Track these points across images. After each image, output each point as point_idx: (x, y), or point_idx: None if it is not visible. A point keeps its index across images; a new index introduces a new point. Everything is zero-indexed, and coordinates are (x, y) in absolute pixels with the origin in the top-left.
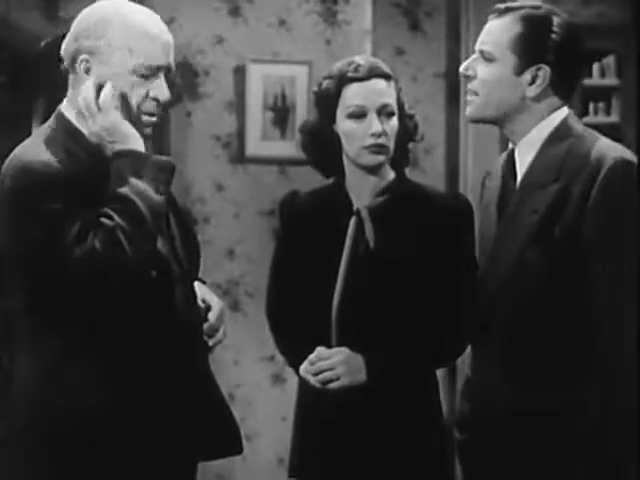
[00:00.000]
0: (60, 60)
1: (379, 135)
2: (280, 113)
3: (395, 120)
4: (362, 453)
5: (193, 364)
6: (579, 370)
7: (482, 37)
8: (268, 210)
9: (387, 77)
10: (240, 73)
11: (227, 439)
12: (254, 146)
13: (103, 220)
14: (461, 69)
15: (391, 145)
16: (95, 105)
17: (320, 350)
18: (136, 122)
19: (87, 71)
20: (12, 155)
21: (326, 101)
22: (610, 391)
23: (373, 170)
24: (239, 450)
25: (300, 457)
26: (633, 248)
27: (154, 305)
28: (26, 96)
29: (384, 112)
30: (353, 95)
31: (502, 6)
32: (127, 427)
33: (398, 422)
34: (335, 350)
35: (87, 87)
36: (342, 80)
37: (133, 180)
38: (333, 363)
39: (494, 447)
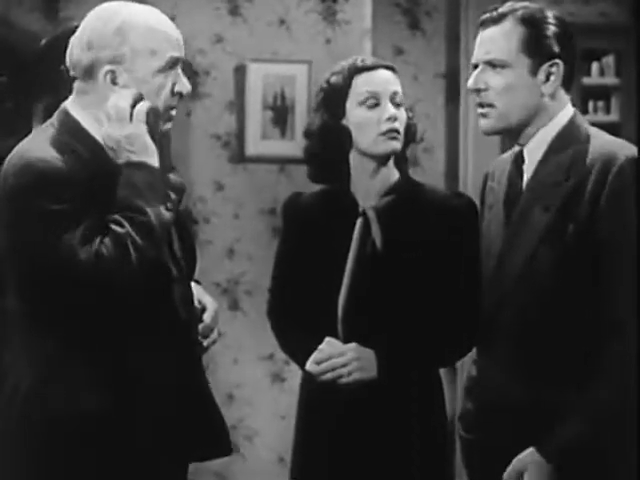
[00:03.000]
0: (60, 60)
1: (395, 119)
2: (280, 112)
3: (403, 110)
4: (364, 453)
5: (188, 365)
6: (587, 370)
7: (484, 47)
8: (268, 209)
9: (392, 69)
10: (240, 72)
11: (216, 440)
12: (254, 145)
13: (113, 227)
14: (470, 84)
15: (402, 133)
16: (128, 113)
17: (331, 345)
18: (162, 121)
19: (114, 81)
20: (14, 152)
21: (336, 94)
22: (624, 390)
23: (384, 161)
24: (227, 452)
25: (302, 458)
26: None
27: (153, 308)
28: (26, 96)
29: (394, 100)
30: (365, 83)
31: (494, 13)
32: (121, 428)
33: (401, 422)
34: (347, 346)
35: (124, 96)
36: (352, 71)
37: (148, 194)
38: (346, 360)
39: (499, 445)
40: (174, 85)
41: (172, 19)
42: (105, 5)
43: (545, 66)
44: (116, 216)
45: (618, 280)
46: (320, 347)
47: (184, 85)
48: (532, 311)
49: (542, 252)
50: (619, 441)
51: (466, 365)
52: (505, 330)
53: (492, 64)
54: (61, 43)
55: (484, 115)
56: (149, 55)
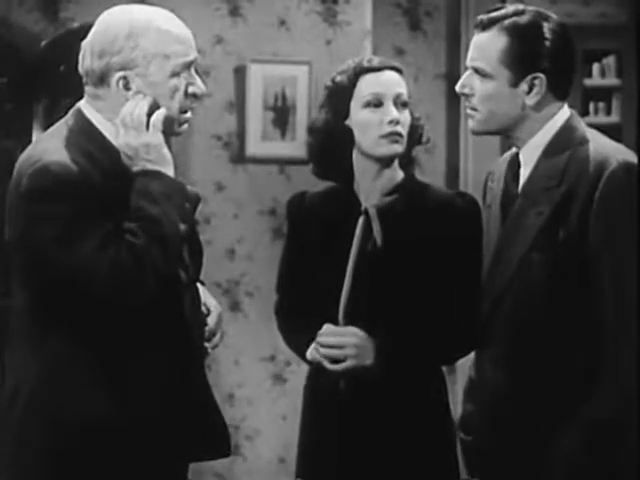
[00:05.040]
0: (60, 61)
1: (397, 122)
2: (280, 113)
3: (408, 112)
4: (369, 452)
5: (191, 367)
6: (581, 372)
7: (472, 53)
8: (268, 210)
9: (399, 70)
10: (240, 73)
11: (217, 441)
12: (254, 146)
13: (130, 238)
14: (457, 88)
15: (405, 136)
16: (145, 121)
17: (329, 329)
18: (177, 123)
19: (126, 86)
20: (30, 152)
21: (340, 94)
22: (616, 392)
23: (387, 163)
24: (227, 453)
25: (307, 457)
26: (636, 251)
27: (162, 314)
28: (26, 96)
29: (399, 102)
30: (369, 84)
31: (485, 18)
32: (123, 428)
33: (405, 420)
34: (348, 330)
35: (140, 103)
36: (357, 71)
37: (164, 205)
38: (343, 342)
39: (498, 447)
40: (187, 87)
41: None
42: (114, 10)
43: (527, 79)
44: (132, 226)
45: (609, 286)
46: (319, 332)
47: (198, 86)
48: (525, 314)
49: (534, 256)
50: (620, 457)
51: (467, 367)
52: (499, 332)
53: (476, 71)
54: (61, 44)
55: (470, 116)
56: (162, 59)
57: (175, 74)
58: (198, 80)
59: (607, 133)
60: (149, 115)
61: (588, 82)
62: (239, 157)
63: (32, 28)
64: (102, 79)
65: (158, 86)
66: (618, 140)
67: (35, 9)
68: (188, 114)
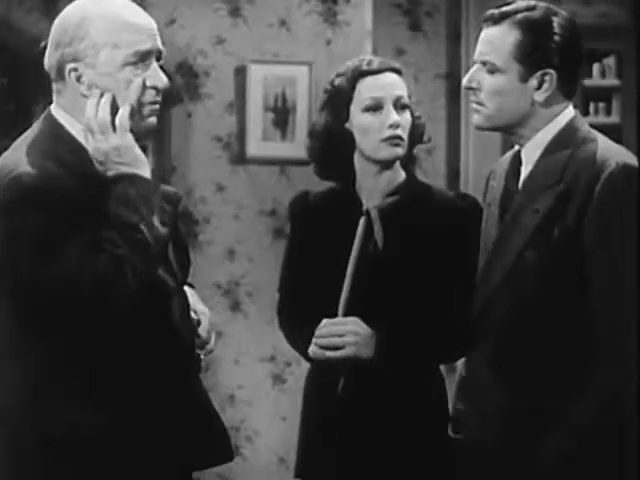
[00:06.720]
0: None
1: (397, 126)
2: (281, 114)
3: (408, 114)
4: (368, 451)
5: (186, 375)
6: (573, 371)
7: (481, 47)
8: (268, 210)
9: (398, 72)
10: (240, 74)
11: (218, 447)
12: (255, 147)
13: (110, 247)
14: (464, 82)
15: (406, 139)
16: (110, 124)
17: (331, 320)
18: (140, 117)
19: (79, 79)
20: (4, 163)
21: (339, 98)
22: (609, 392)
23: (388, 165)
24: (230, 457)
25: (306, 457)
26: (631, 252)
27: (152, 323)
28: (26, 97)
29: (399, 104)
30: (369, 88)
31: (496, 12)
32: (118, 443)
33: (404, 420)
34: (349, 319)
35: (102, 105)
36: (356, 74)
37: (142, 209)
38: (344, 330)
39: (487, 446)
40: (145, 79)
41: (172, 21)
42: (74, 2)
43: (537, 74)
44: (112, 234)
45: (602, 286)
46: (319, 326)
47: (158, 78)
48: (518, 312)
49: (529, 254)
50: (605, 457)
51: (461, 364)
52: (492, 330)
53: (485, 65)
54: None
55: (476, 111)
56: (111, 48)
57: (127, 64)
58: (158, 72)
59: (607, 133)
60: (114, 116)
61: (588, 82)
62: (239, 158)
63: (32, 29)
64: (59, 72)
65: (110, 77)
66: (618, 141)
67: (35, 9)
68: (155, 106)
